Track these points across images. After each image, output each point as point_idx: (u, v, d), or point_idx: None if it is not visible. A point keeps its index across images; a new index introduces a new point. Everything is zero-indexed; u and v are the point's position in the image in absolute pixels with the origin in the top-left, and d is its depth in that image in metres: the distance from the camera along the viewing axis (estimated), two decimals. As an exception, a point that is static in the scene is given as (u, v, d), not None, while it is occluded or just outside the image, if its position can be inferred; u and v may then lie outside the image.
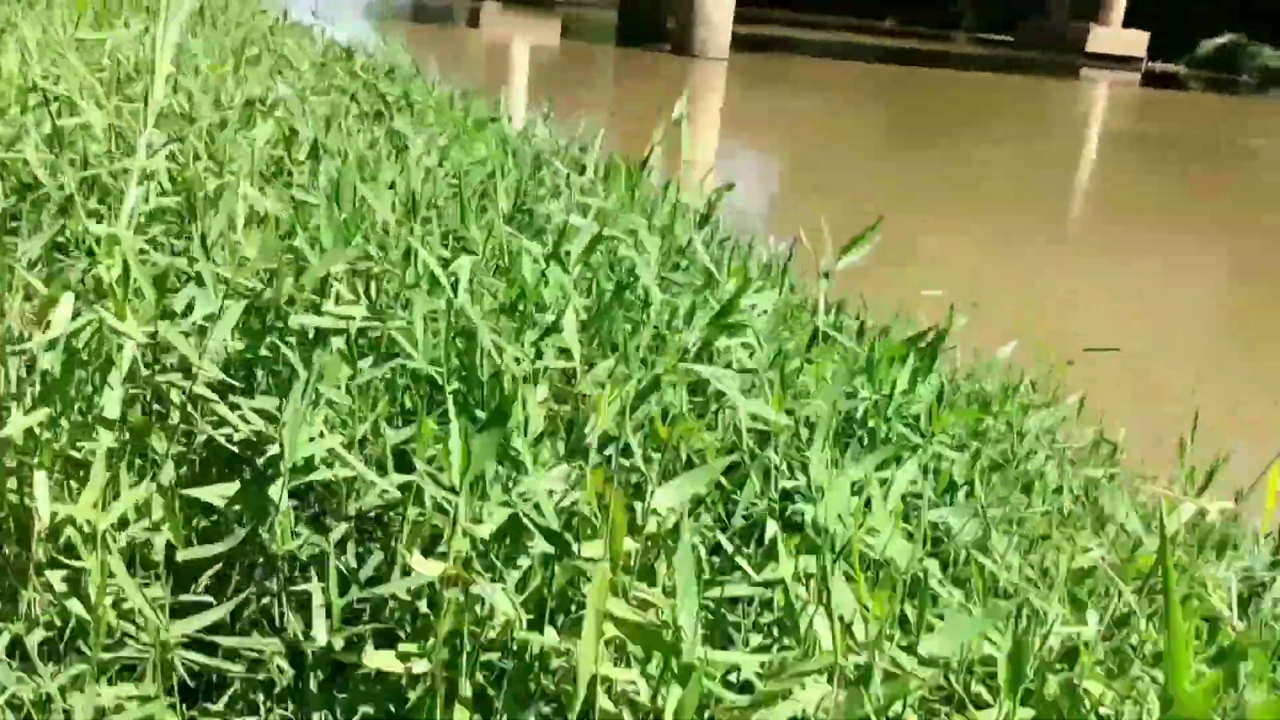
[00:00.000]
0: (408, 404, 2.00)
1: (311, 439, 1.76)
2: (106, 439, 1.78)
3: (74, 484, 2.03)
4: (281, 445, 1.73)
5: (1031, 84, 30.36)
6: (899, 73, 28.83)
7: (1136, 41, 38.47)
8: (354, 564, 1.83)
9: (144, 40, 3.78)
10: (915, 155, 15.81)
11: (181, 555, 1.61)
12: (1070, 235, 11.95)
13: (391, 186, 2.42)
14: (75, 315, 1.81)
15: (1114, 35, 38.77)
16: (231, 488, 1.76)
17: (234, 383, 1.80)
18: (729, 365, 2.14)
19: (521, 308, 2.06)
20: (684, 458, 1.89)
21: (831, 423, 1.65)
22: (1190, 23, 38.71)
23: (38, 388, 1.95)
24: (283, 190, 2.25)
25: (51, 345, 1.80)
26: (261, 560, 1.91)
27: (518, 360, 1.96)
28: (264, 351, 1.89)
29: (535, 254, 2.14)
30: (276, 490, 1.75)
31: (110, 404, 1.79)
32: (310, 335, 1.91)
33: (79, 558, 1.87)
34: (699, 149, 14.21)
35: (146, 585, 1.79)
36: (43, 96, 3.25)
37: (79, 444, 1.87)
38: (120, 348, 1.86)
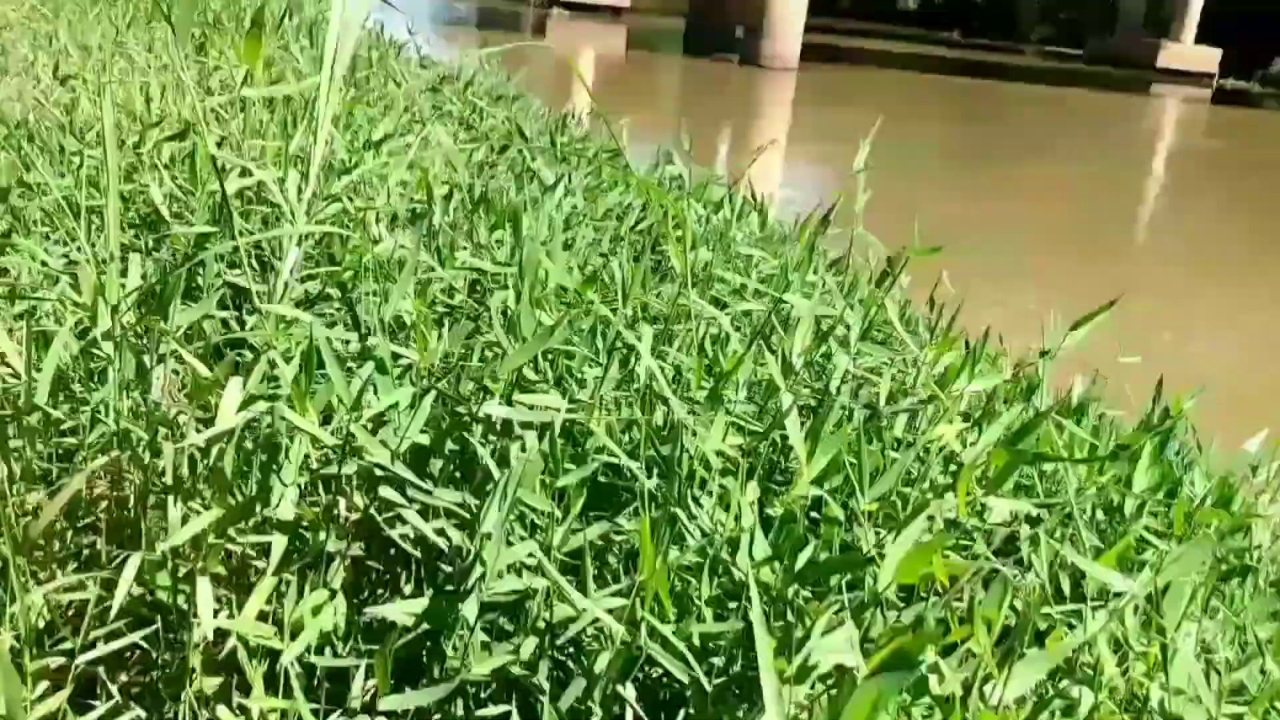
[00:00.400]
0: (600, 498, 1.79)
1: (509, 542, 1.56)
2: (279, 544, 1.59)
3: (231, 576, 1.84)
4: (479, 557, 1.53)
5: (1102, 99, 29.77)
6: (969, 86, 28.38)
7: (1208, 58, 37.69)
8: (547, 687, 1.62)
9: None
10: (991, 175, 15.44)
11: (383, 705, 1.41)
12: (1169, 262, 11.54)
13: (567, 247, 2.21)
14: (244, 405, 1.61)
15: (1185, 51, 38.00)
16: (419, 604, 1.55)
17: (416, 481, 1.59)
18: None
19: (722, 389, 1.84)
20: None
21: (1201, 593, 1.41)
22: (1263, 41, 37.82)
23: (198, 482, 1.77)
24: (450, 258, 2.04)
25: (217, 438, 1.60)
26: (438, 675, 1.70)
27: (724, 458, 1.74)
28: (449, 445, 1.68)
29: (730, 333, 1.93)
30: (471, 608, 1.54)
31: (284, 505, 1.59)
32: (498, 425, 1.71)
33: (239, 666, 1.68)
34: (775, 167, 13.95)
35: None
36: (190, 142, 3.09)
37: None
38: (292, 439, 1.67)
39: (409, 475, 1.52)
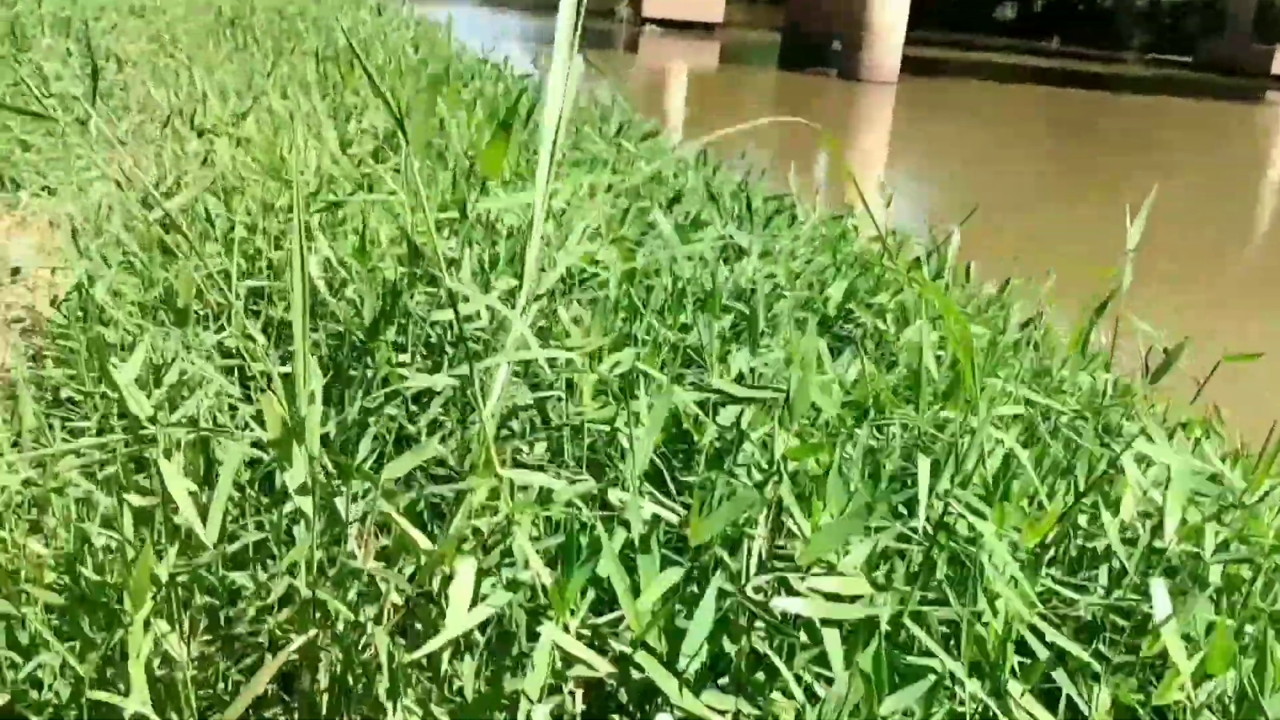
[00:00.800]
0: None
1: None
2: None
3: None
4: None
5: (1215, 109, 28.66)
6: (1073, 96, 27.50)
7: (1327, 61, 36.21)
8: None
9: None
10: (1098, 196, 14.77)
11: None
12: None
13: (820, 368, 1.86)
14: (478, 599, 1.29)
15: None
16: None
17: None
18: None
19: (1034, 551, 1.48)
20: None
21: None
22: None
23: (411, 676, 1.46)
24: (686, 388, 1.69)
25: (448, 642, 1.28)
26: None
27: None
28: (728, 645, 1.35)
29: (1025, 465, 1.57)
30: None
31: (537, 729, 1.27)
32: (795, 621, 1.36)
33: None
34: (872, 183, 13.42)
35: None
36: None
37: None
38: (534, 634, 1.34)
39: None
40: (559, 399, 1.85)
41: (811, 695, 1.33)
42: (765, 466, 1.61)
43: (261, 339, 2.05)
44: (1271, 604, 1.55)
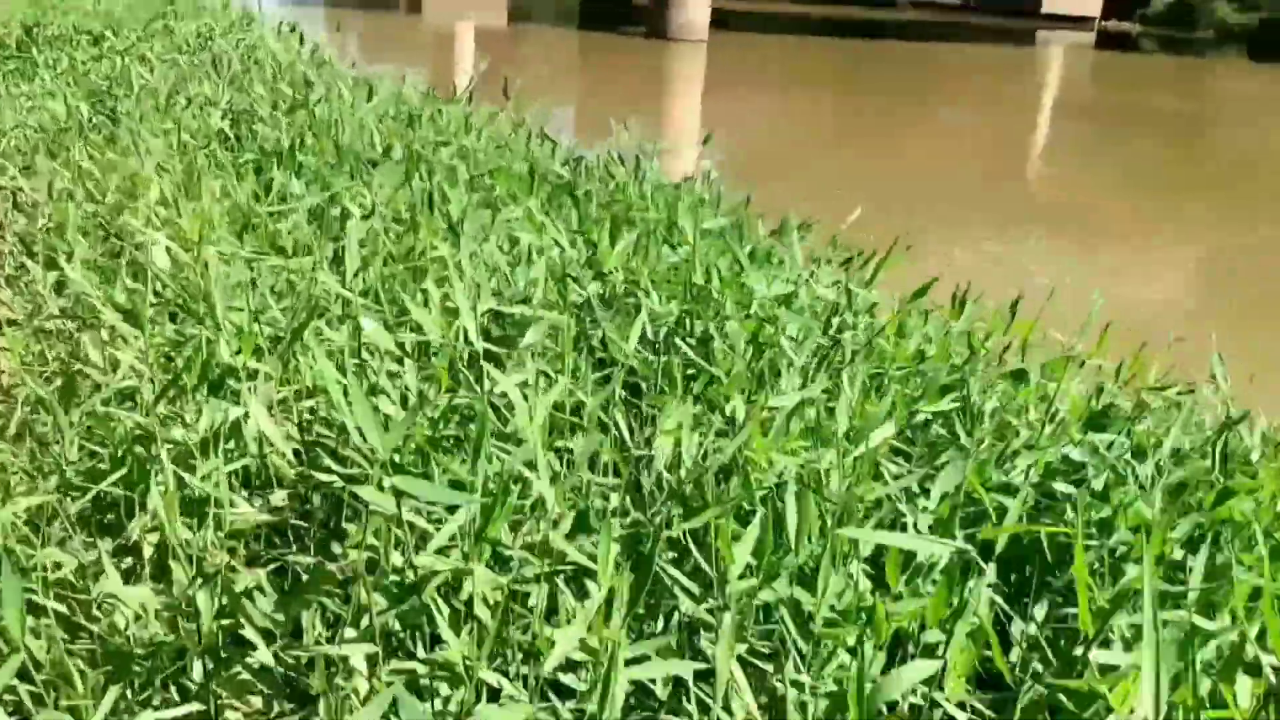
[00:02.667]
0: None
1: None
2: None
3: None
4: None
5: (992, 53, 29.24)
6: (867, 49, 27.47)
7: (1090, 1, 37.55)
8: None
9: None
10: (893, 140, 14.55)
11: None
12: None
13: None
14: None
15: (1069, -5, 37.87)
16: None
17: None
18: None
19: None
20: None
21: None
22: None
23: None
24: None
25: None
26: None
27: None
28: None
29: None
30: None
31: None
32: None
33: None
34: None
35: None
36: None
37: None
38: None
39: None
40: None
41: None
42: None
43: None
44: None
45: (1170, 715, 1.27)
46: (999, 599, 1.69)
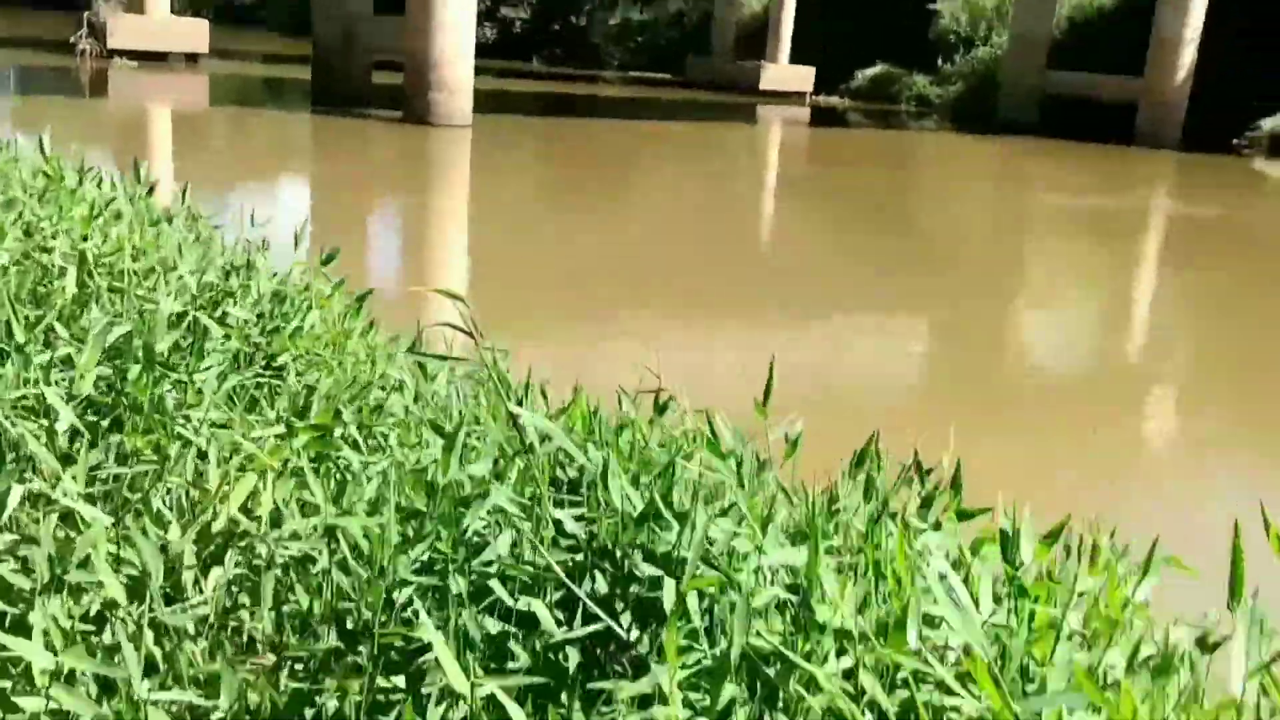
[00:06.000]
0: None
1: None
2: None
3: None
4: None
5: (725, 130, 29.09)
6: (599, 127, 26.41)
7: (805, 77, 38.40)
8: None
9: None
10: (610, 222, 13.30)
11: None
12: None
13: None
14: None
15: (783, 73, 38.50)
16: None
17: None
18: None
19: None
20: None
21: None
22: (841, 55, 39.09)
23: None
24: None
25: None
26: None
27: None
28: None
29: None
30: None
31: None
32: None
33: None
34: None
35: None
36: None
37: None
38: None
39: None
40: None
41: None
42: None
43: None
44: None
45: None
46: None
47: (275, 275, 3.14)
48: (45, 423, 1.99)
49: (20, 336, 2.07)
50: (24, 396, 2.02)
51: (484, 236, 12.97)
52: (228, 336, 2.60)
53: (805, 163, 24.66)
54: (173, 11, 30.02)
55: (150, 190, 4.04)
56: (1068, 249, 15.83)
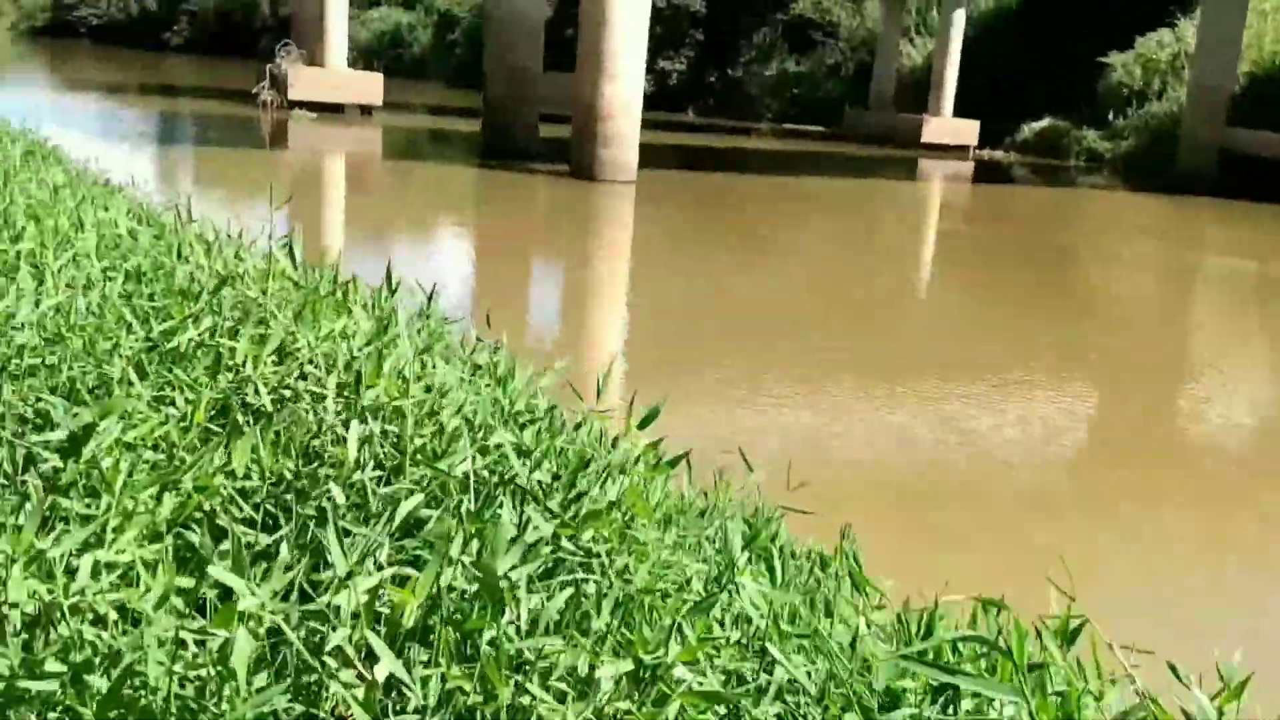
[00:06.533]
0: None
1: None
2: None
3: None
4: None
5: (892, 186, 28.40)
6: (764, 184, 26.04)
7: (968, 130, 37.45)
8: None
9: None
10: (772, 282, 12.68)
11: None
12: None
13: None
14: None
15: (946, 125, 37.64)
16: None
17: None
18: None
19: None
20: None
21: None
22: (1006, 108, 38.00)
23: None
24: None
25: None
26: None
27: None
28: None
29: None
30: None
31: None
32: None
33: None
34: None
35: None
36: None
37: None
38: None
39: None
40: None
41: None
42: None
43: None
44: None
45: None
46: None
47: (579, 426, 2.82)
48: (362, 669, 1.68)
49: (340, 567, 1.76)
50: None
51: (662, 303, 12.72)
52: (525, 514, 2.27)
53: (966, 220, 23.82)
54: (348, 65, 31.00)
55: (430, 300, 3.67)
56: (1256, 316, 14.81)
